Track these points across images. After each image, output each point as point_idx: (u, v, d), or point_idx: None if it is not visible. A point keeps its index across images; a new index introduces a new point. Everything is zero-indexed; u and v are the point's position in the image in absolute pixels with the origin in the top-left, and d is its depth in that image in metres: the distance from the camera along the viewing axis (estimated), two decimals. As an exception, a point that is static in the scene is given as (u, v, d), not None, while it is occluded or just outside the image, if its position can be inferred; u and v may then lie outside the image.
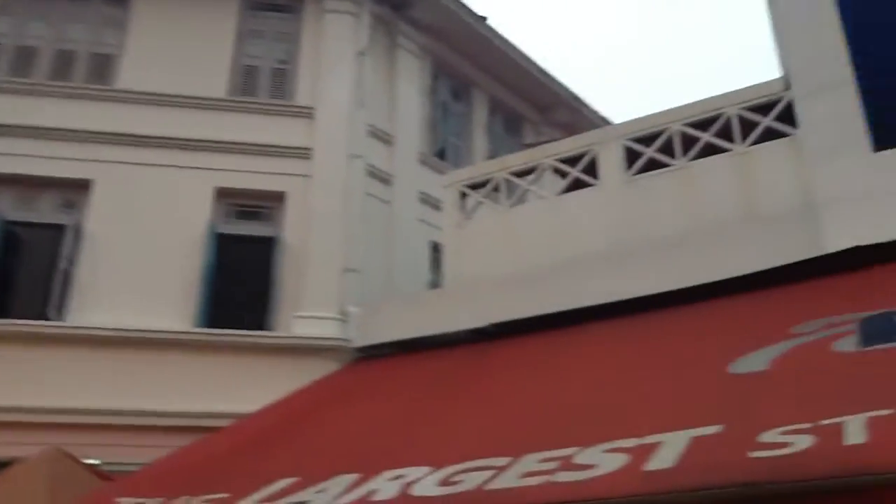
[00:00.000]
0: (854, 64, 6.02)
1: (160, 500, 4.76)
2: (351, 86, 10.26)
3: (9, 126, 9.23)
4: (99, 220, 9.11)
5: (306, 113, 10.04)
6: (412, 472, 4.05)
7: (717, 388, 4.30)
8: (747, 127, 6.79)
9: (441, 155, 11.80)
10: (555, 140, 9.08)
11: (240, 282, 9.25)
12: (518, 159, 8.16)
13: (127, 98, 9.73)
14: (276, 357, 8.54)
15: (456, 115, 12.57)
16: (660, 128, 7.21)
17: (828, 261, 5.62)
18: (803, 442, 3.12)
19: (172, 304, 8.81)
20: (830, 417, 3.26)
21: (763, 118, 6.72)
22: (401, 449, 4.71)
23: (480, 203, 8.05)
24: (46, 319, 8.62)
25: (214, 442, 6.22)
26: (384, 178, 10.52)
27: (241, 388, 7.96)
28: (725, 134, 6.88)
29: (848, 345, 4.31)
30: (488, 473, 3.75)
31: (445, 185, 8.41)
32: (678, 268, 6.24)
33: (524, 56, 12.84)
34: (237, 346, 8.62)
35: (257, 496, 4.42)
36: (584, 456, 3.64)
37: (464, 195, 8.13)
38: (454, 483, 3.78)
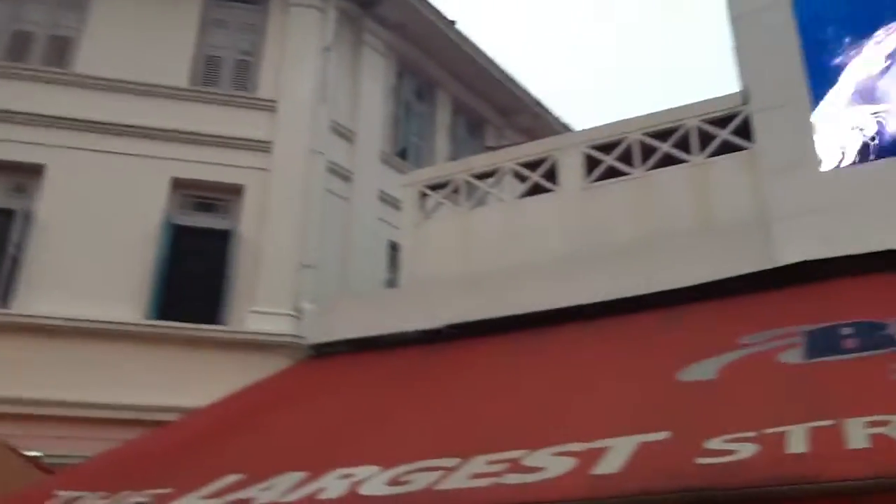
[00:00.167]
0: (810, 82, 6.16)
1: (101, 493, 4.66)
2: (314, 81, 10.18)
3: (-41, 107, 8.99)
4: (51, 206, 8.90)
5: (268, 106, 9.92)
6: (361, 472, 4.04)
7: (665, 395, 4.36)
8: (705, 139, 6.90)
9: (402, 154, 11.78)
10: (517, 144, 9.13)
11: (194, 274, 9.11)
12: (479, 161, 8.20)
13: (85, 83, 9.52)
14: (229, 352, 8.42)
15: (419, 115, 12.56)
16: (619, 136, 7.30)
17: (779, 274, 5.75)
18: (747, 450, 3.19)
19: (124, 295, 8.64)
20: (774, 426, 3.34)
21: (721, 131, 6.83)
22: (350, 448, 4.69)
23: (440, 204, 8.06)
24: (-9, 306, 8.40)
25: (161, 436, 6.13)
26: (344, 175, 10.45)
27: (191, 382, 7.84)
28: (684, 145, 6.98)
29: (794, 356, 4.42)
30: (437, 474, 3.75)
31: (405, 184, 8.41)
32: (633, 276, 6.33)
33: (489, 59, 12.88)
34: (189, 339, 8.48)
35: (202, 492, 4.35)
36: (532, 459, 3.67)
37: (424, 195, 8.13)
38: (403, 483, 3.78)
